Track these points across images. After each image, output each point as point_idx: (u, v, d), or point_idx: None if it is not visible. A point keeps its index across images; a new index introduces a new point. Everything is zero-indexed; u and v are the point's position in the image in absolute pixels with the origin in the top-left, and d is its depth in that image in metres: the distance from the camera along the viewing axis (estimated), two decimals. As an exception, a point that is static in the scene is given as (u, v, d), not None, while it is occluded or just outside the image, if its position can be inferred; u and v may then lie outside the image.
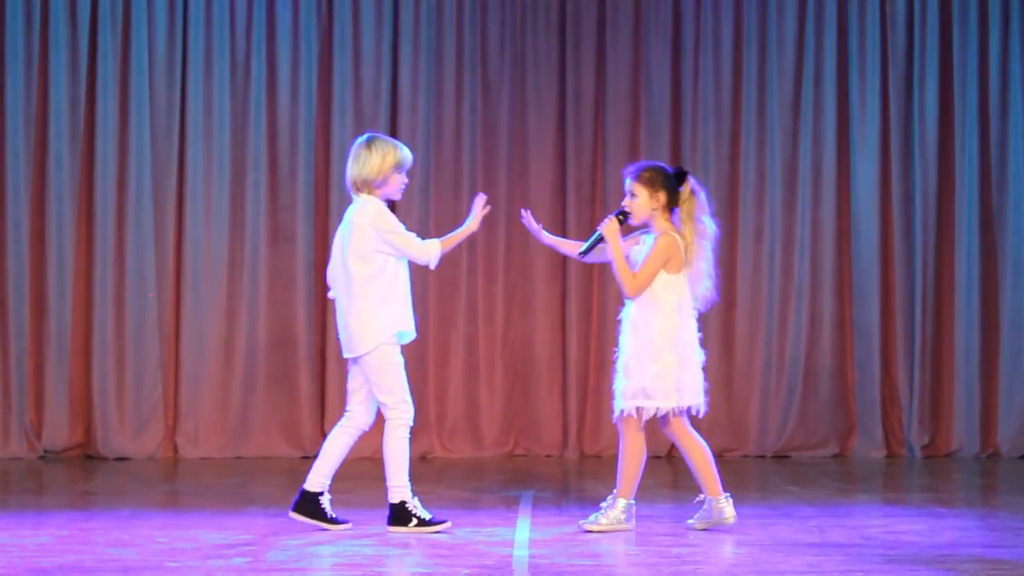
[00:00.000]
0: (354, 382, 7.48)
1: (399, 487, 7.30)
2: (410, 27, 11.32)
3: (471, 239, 11.14)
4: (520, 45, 11.44)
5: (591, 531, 7.33)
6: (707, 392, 7.45)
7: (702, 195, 7.40)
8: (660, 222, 7.40)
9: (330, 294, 7.51)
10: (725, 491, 7.42)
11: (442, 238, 7.51)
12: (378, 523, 7.54)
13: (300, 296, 11.27)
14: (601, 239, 7.47)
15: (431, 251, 7.34)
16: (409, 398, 7.36)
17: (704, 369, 7.44)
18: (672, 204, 7.38)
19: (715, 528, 7.33)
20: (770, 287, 11.36)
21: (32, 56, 11.12)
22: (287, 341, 11.27)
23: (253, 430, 11.22)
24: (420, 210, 11.30)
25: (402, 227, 7.35)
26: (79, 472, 10.42)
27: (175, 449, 11.25)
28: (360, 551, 6.77)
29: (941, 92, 11.45)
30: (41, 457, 11.07)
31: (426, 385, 11.26)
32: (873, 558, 6.58)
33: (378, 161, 7.28)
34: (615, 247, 7.39)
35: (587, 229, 11.29)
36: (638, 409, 7.30)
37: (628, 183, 7.44)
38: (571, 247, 7.78)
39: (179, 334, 11.22)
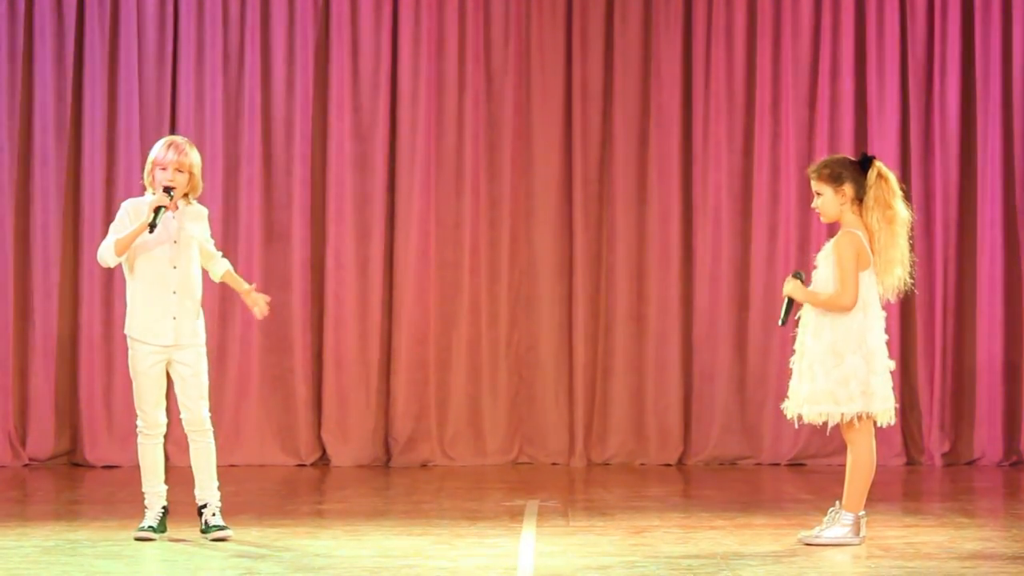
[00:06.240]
0: None
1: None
2: (410, 16, 11.28)
3: (473, 239, 11.17)
4: (525, 35, 11.38)
5: (811, 545, 7.12)
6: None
7: (891, 179, 7.23)
8: (849, 216, 7.22)
9: None
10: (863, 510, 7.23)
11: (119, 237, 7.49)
12: (377, 533, 7.53)
13: (296, 297, 11.22)
14: (792, 303, 7.29)
15: (104, 250, 7.44)
16: (145, 407, 7.77)
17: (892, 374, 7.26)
18: (860, 194, 7.20)
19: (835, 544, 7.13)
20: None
21: (16, 47, 11.09)
22: (282, 344, 11.21)
23: (246, 437, 11.27)
24: (420, 206, 11.25)
25: (126, 227, 7.38)
26: (65, 481, 10.39)
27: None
28: (357, 562, 6.73)
29: (963, 83, 11.36)
30: (26, 465, 11.03)
31: (427, 389, 11.22)
32: (892, 569, 6.52)
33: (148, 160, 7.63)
34: (808, 298, 7.21)
35: (594, 228, 11.21)
36: (845, 415, 7.10)
37: (812, 183, 7.30)
38: None
39: (170, 337, 11.07)
